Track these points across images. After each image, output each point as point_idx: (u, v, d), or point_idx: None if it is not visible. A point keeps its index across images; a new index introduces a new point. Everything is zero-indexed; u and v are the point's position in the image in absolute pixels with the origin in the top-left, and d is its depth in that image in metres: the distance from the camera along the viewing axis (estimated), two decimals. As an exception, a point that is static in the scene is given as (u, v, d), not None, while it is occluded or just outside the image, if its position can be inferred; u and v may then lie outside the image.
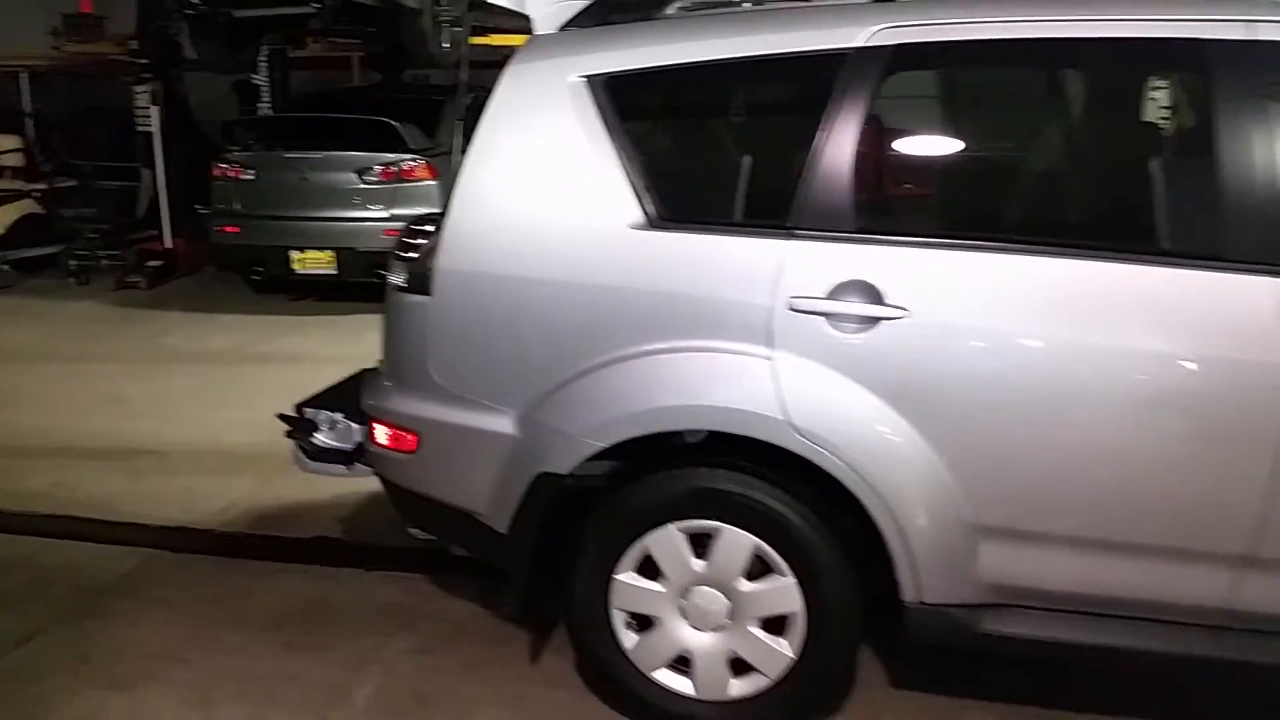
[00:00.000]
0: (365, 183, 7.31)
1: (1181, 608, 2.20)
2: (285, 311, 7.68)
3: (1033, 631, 2.27)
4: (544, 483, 2.40)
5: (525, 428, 2.42)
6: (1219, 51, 2.07)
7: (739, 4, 2.55)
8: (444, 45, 7.63)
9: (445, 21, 7.52)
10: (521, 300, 2.39)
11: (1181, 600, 2.19)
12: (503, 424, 2.44)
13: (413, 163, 7.31)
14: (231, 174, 7.67)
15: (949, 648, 2.35)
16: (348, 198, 7.36)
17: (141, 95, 8.74)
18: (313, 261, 7.43)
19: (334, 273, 7.45)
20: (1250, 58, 2.06)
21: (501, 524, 2.48)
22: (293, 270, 7.49)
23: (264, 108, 9.25)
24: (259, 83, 9.27)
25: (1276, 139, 2.03)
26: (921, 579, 2.26)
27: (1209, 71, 2.08)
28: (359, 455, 2.91)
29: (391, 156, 7.29)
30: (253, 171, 7.62)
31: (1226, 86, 2.06)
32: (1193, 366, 2.07)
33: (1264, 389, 2.02)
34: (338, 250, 7.35)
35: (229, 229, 7.70)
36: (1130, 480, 2.13)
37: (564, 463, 2.37)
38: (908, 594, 2.27)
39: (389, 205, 7.26)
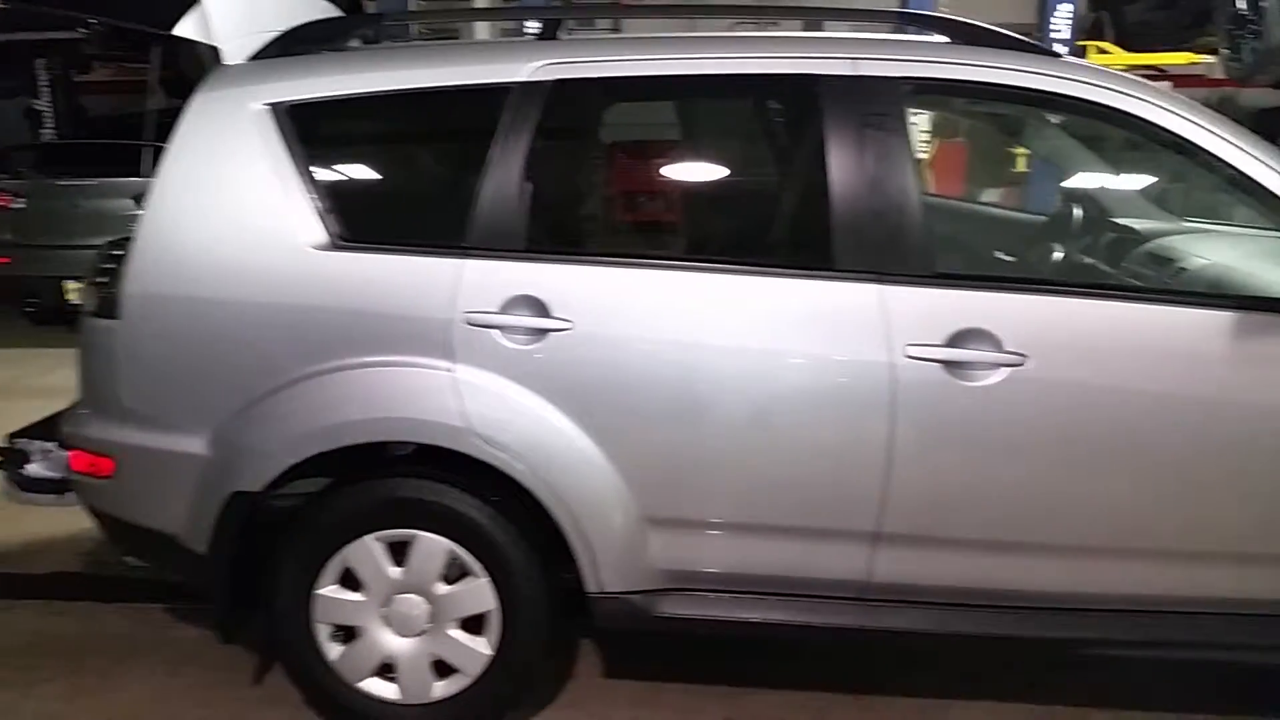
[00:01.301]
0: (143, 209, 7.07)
1: (828, 582, 2.44)
2: (64, 344, 7.32)
3: (702, 612, 2.46)
4: (237, 502, 2.44)
5: (217, 448, 2.47)
6: (829, 85, 2.34)
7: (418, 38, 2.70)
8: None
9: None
10: (209, 321, 2.44)
11: (827, 575, 2.43)
12: (195, 445, 2.48)
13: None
14: (1, 202, 7.33)
15: (639, 632, 2.53)
16: (124, 225, 7.10)
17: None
18: (88, 292, 7.14)
19: (112, 303, 7.18)
20: (854, 91, 2.33)
21: (200, 545, 2.51)
22: (67, 301, 7.18)
23: (48, 133, 8.87)
24: (40, 108, 8.90)
25: (876, 162, 2.30)
26: (601, 570, 2.42)
27: (821, 103, 2.35)
28: (69, 484, 2.87)
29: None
30: (24, 200, 7.30)
31: (835, 116, 2.33)
32: (815, 365, 2.31)
33: (871, 383, 2.27)
34: (115, 280, 7.09)
35: (0, 259, 7.35)
36: (769, 469, 2.35)
37: (256, 481, 2.43)
38: (590, 585, 2.44)
39: (170, 232, 7.06)
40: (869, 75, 2.34)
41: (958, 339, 2.25)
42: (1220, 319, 2.25)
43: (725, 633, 2.53)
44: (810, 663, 2.93)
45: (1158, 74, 9.77)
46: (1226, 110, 11.95)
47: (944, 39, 2.45)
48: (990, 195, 7.21)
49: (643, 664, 2.92)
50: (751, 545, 2.43)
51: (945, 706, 2.77)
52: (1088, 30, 8.96)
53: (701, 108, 2.87)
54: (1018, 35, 2.43)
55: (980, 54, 2.37)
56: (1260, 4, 6.22)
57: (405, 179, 2.52)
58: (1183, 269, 2.75)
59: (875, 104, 2.32)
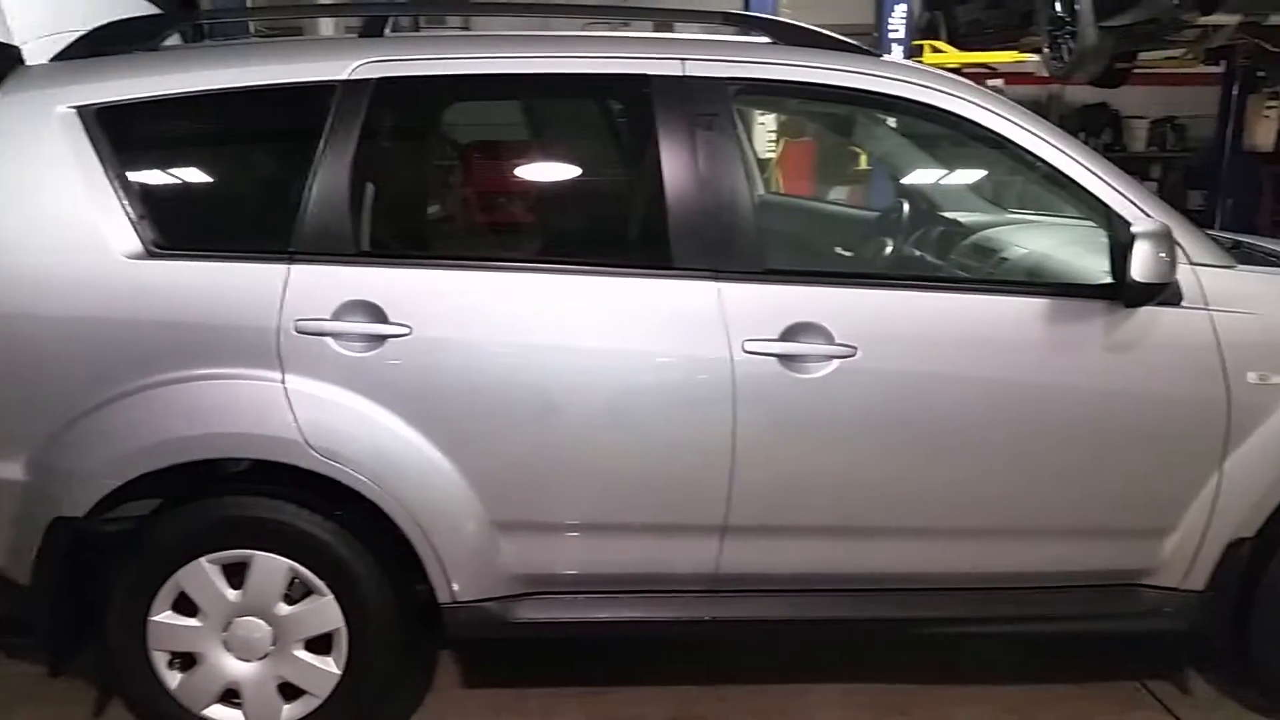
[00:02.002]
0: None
1: (679, 577, 2.46)
2: None
3: (558, 615, 2.45)
4: (59, 529, 2.30)
5: (35, 473, 2.31)
6: (659, 86, 2.36)
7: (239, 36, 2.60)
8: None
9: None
10: (19, 337, 2.28)
11: (678, 570, 2.45)
12: (11, 470, 2.32)
13: None
14: None
15: (497, 640, 2.50)
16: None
17: None
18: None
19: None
20: (683, 91, 2.36)
21: (22, 575, 2.35)
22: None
23: None
24: None
25: (708, 162, 2.33)
26: (453, 579, 2.38)
27: (652, 103, 2.36)
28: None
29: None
30: None
31: (666, 116, 2.35)
32: (658, 363, 2.32)
33: (713, 379, 2.30)
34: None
35: None
36: (619, 468, 2.36)
37: (78, 506, 2.29)
38: (442, 595, 2.39)
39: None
40: (696, 75, 2.37)
41: (791, 333, 2.30)
42: (1035, 305, 2.37)
43: (582, 634, 2.53)
44: (670, 657, 2.96)
45: (989, 72, 10.28)
46: (1053, 106, 12.69)
47: (768, 40, 2.51)
48: (837, 193, 7.44)
49: (503, 671, 2.89)
50: (604, 545, 2.44)
51: (802, 691, 2.84)
52: (923, 30, 9.32)
53: (540, 108, 2.86)
54: (838, 36, 2.51)
55: (803, 54, 2.44)
56: (1075, 6, 6.59)
57: (226, 183, 2.42)
58: (1004, 259, 2.89)
59: (704, 104, 2.35)
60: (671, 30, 3.56)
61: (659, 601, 2.48)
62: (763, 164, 8.36)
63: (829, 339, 2.31)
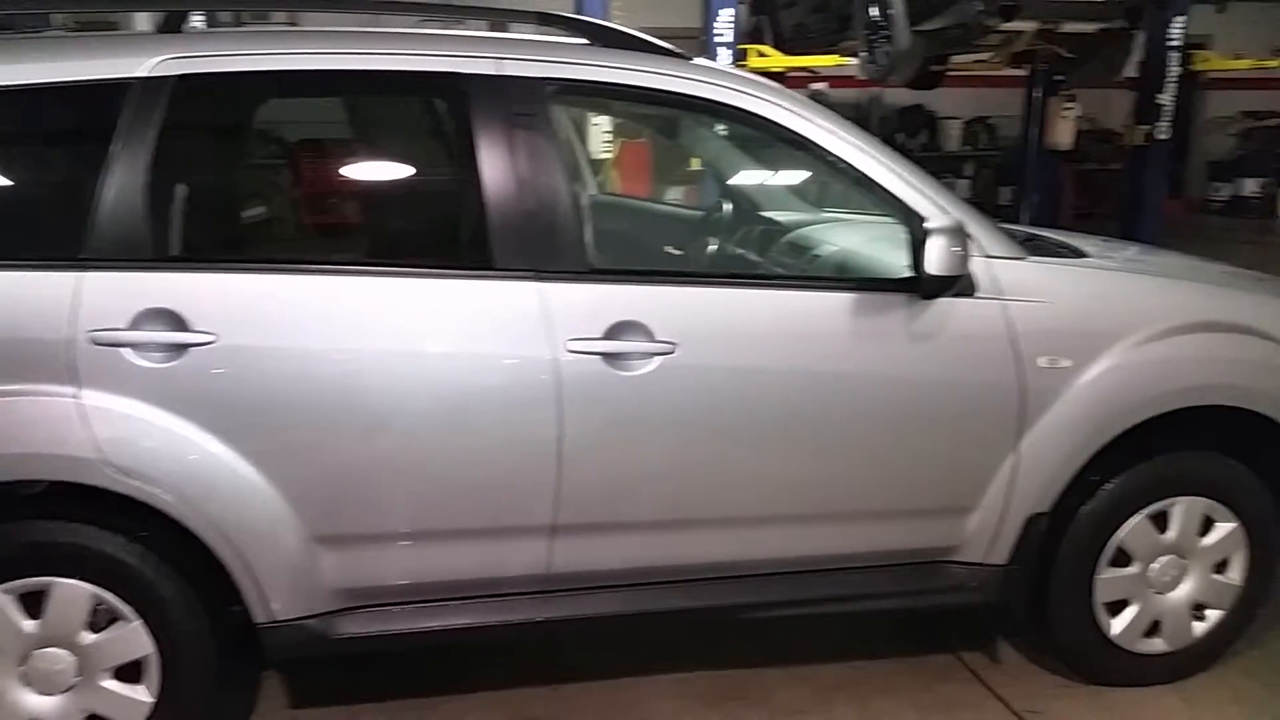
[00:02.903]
0: None
1: (510, 580, 2.45)
2: None
3: (384, 627, 2.40)
4: None
5: None
6: (475, 85, 2.34)
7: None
8: None
9: None
10: None
11: (509, 573, 2.44)
12: None
13: None
14: None
15: (322, 657, 2.42)
16: None
17: None
18: None
19: None
20: (500, 90, 2.34)
21: None
22: None
23: None
24: None
25: (527, 162, 2.33)
26: (269, 598, 2.29)
27: (469, 103, 2.34)
28: None
29: None
30: None
31: (483, 116, 2.33)
32: (482, 365, 2.30)
33: (538, 379, 2.29)
34: None
35: None
36: (445, 474, 2.33)
37: None
38: (259, 614, 2.30)
39: None
40: (513, 75, 2.36)
41: (614, 331, 2.32)
42: (842, 299, 2.47)
43: (411, 645, 2.48)
44: (505, 658, 2.94)
45: (812, 75, 10.65)
46: (874, 109, 13.25)
47: (585, 41, 2.52)
48: (675, 193, 7.55)
49: (334, 688, 2.80)
50: (431, 553, 2.40)
51: (638, 684, 2.87)
52: (750, 34, 9.57)
53: (357, 107, 2.78)
54: (651, 39, 2.54)
55: (616, 56, 2.46)
56: (889, 11, 6.91)
57: (13, 188, 2.25)
58: (817, 256, 3.00)
59: (521, 103, 2.34)
60: (507, 29, 3.53)
61: (490, 606, 2.46)
62: (598, 165, 8.45)
63: (650, 336, 2.34)
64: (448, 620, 2.42)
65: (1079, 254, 2.86)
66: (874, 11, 7.13)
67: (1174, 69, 9.12)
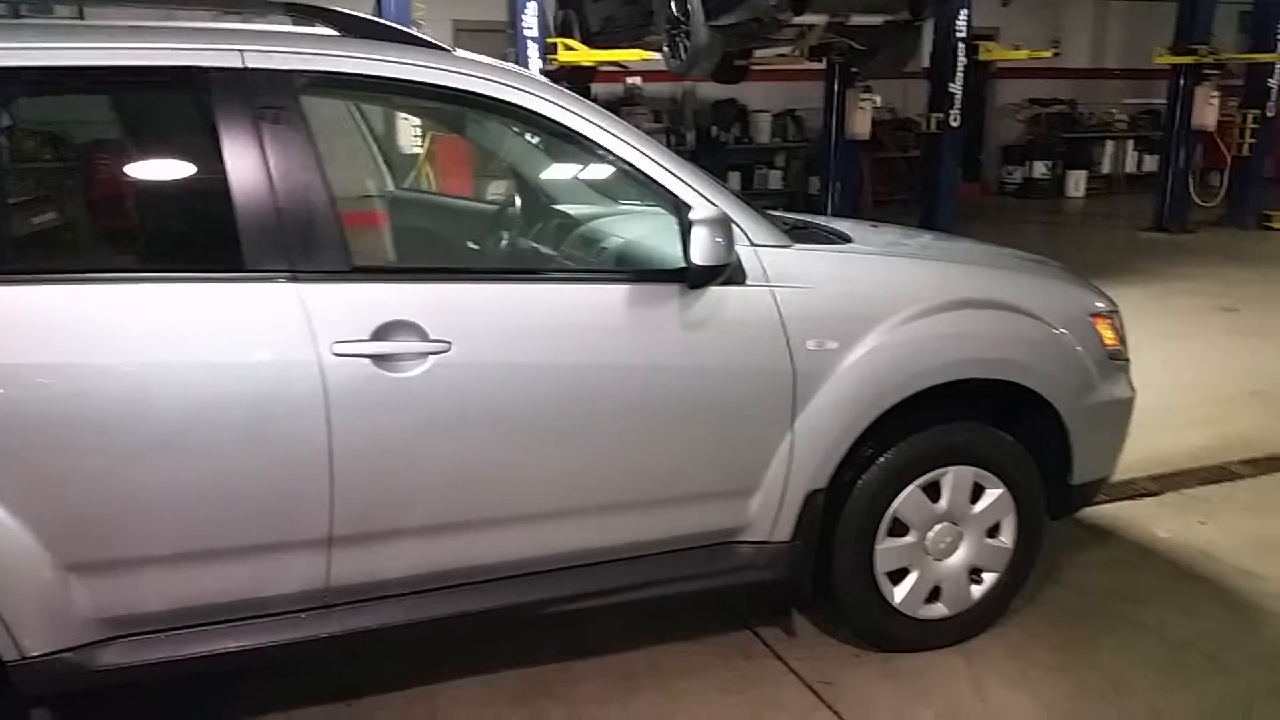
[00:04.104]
0: None
1: (287, 597, 2.35)
2: None
3: (150, 656, 2.25)
4: None
5: None
6: (219, 79, 2.22)
7: None
8: None
9: None
10: None
11: (285, 590, 2.34)
12: None
13: None
14: None
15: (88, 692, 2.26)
16: None
17: None
18: None
19: None
20: (245, 84, 2.23)
21: None
22: None
23: None
24: None
25: (278, 159, 2.22)
26: (19, 634, 2.12)
27: (213, 98, 2.22)
28: None
29: None
30: None
31: (228, 111, 2.21)
32: (242, 374, 2.19)
33: (303, 385, 2.20)
34: None
35: None
36: (207, 490, 2.20)
37: None
38: (8, 653, 2.13)
39: None
40: (258, 68, 2.25)
41: (383, 332, 2.25)
42: (617, 291, 2.48)
43: (182, 673, 2.34)
44: (296, 675, 2.82)
45: (624, 69, 10.75)
46: (687, 102, 13.50)
47: (335, 32, 2.43)
48: (496, 187, 7.45)
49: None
50: (197, 575, 2.27)
51: (445, 690, 2.82)
52: (559, 28, 9.57)
53: (93, 103, 2.59)
54: (407, 29, 2.48)
55: (370, 48, 2.38)
56: (688, 6, 7.03)
57: None
58: (603, 248, 3.01)
59: (268, 98, 2.24)
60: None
61: (266, 626, 2.34)
62: (410, 160, 8.26)
63: (423, 336, 2.28)
64: (218, 644, 2.30)
65: (845, 240, 2.97)
66: (674, 6, 7.23)
67: (961, 59, 9.70)
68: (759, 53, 9.64)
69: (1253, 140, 11.51)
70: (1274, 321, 7.27)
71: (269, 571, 2.32)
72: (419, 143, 8.08)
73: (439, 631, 2.66)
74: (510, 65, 2.57)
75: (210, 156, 2.21)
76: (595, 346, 2.44)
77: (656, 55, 8.07)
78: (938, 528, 2.90)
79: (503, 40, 8.95)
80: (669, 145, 13.59)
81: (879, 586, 2.88)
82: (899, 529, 2.86)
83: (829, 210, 10.38)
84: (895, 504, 2.82)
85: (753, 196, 14.42)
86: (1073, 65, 14.84)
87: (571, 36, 8.99)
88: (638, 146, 2.52)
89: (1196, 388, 5.69)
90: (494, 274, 2.53)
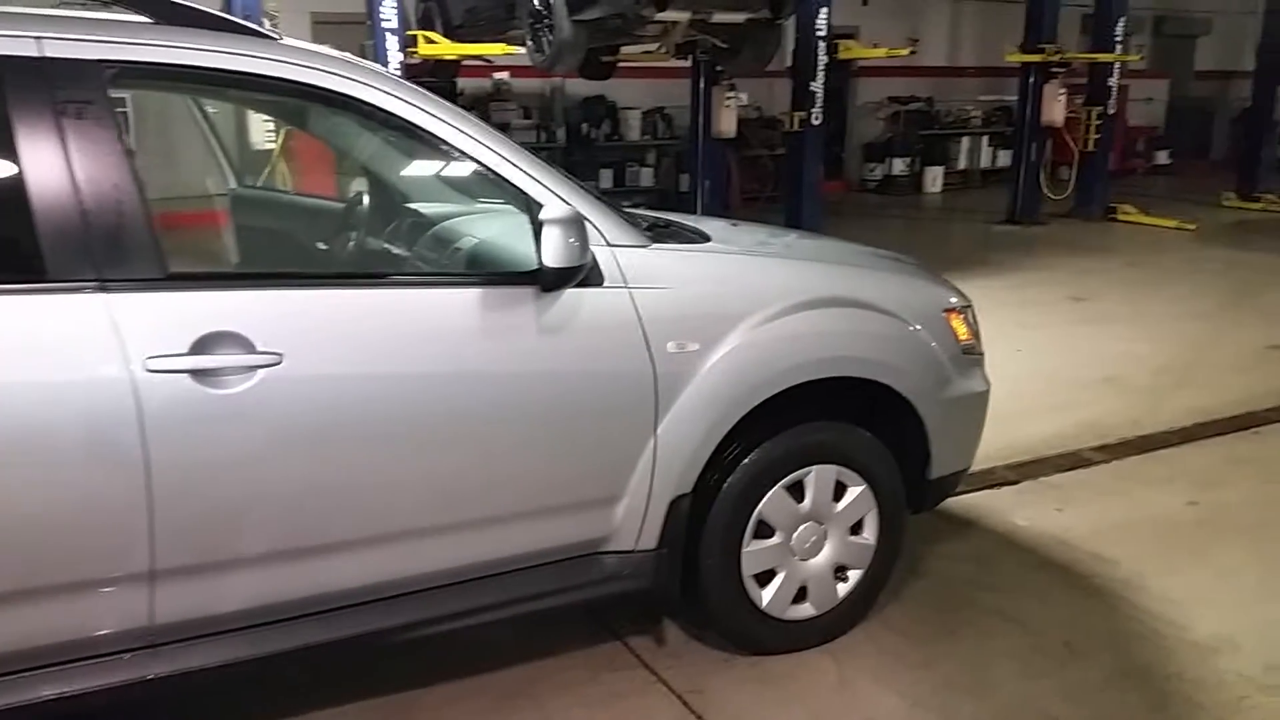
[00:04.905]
0: None
1: (106, 639, 2.14)
2: None
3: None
4: None
5: None
6: (11, 68, 2.00)
7: None
8: None
9: None
10: None
11: (104, 631, 2.13)
12: None
13: None
14: None
15: None
16: None
17: None
18: None
19: None
20: (43, 75, 2.01)
21: None
22: None
23: None
24: None
25: (82, 157, 2.01)
26: None
27: (4, 88, 1.99)
28: None
29: None
30: None
31: (23, 105, 1.99)
32: (42, 393, 1.97)
33: (112, 405, 2.00)
34: None
35: None
36: (5, 524, 1.98)
37: None
38: None
39: None
40: (59, 58, 2.03)
41: (204, 344, 2.07)
42: (469, 295, 2.35)
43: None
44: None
45: (488, 64, 10.55)
46: (557, 98, 13.38)
47: (148, 19, 2.22)
48: (353, 185, 7.17)
49: None
50: (4, 619, 2.04)
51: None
52: (420, 20, 9.31)
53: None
54: (230, 17, 2.29)
55: (187, 36, 2.18)
56: (550, 0, 6.91)
57: None
58: (457, 249, 2.86)
59: (71, 90, 2.02)
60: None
61: (83, 671, 2.12)
62: (262, 156, 7.90)
63: (249, 348, 2.11)
64: (26, 694, 2.07)
65: (705, 239, 2.91)
66: (536, 1, 7.10)
67: (823, 58, 9.85)
68: (626, 49, 9.60)
69: (1097, 136, 12.10)
70: (1121, 310, 7.63)
71: (84, 612, 2.10)
72: (272, 138, 7.73)
73: (284, 666, 2.48)
74: (345, 55, 2.40)
75: (3, 155, 1.98)
76: (444, 355, 2.31)
77: (521, 50, 7.92)
78: (803, 528, 2.87)
79: (361, 33, 8.66)
80: (539, 142, 13.51)
81: (747, 590, 2.83)
82: (765, 530, 2.82)
83: (698, 208, 10.41)
84: (760, 506, 2.78)
85: (624, 194, 14.48)
86: (930, 64, 15.32)
87: (433, 30, 8.75)
88: (484, 141, 2.39)
89: (1050, 376, 5.89)
90: (333, 279, 2.37)
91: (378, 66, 2.45)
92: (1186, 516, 3.96)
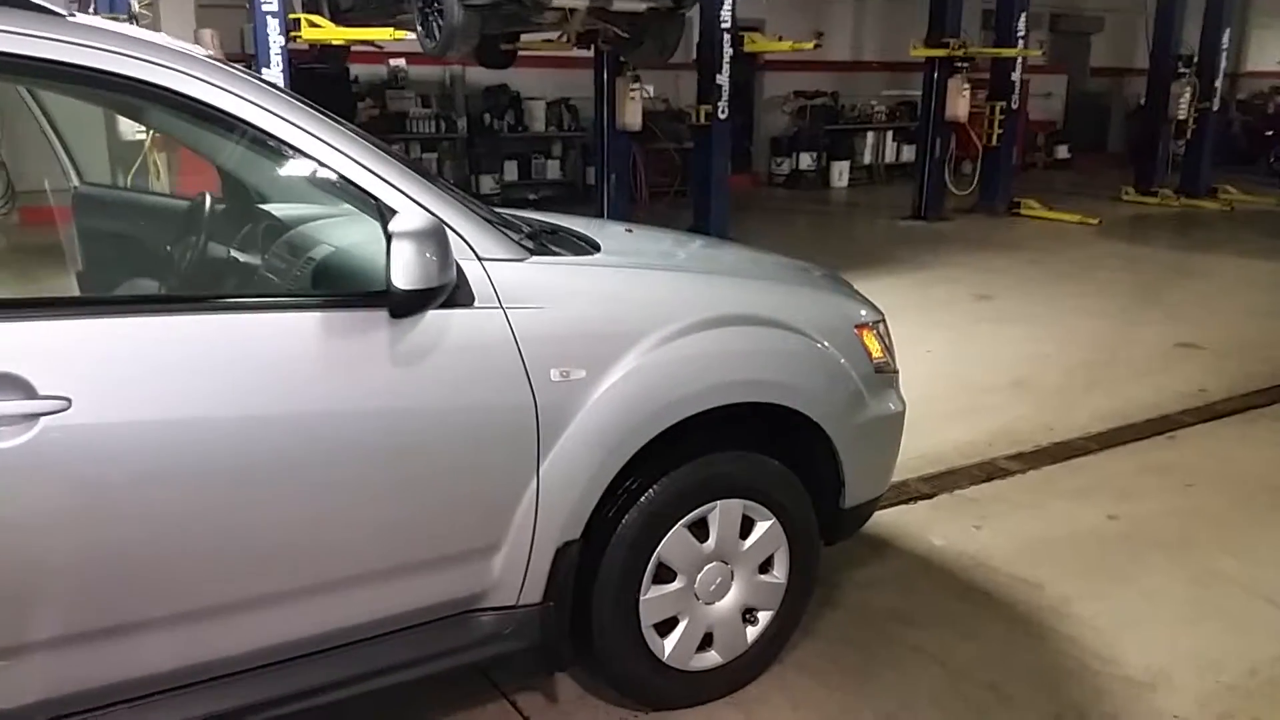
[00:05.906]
0: None
1: None
2: None
3: None
4: None
5: None
6: None
7: None
8: None
9: None
10: None
11: None
12: None
13: None
14: None
15: None
16: None
17: None
18: None
19: None
20: None
21: None
22: None
23: None
24: None
25: None
26: None
27: None
28: None
29: None
30: None
31: None
32: None
33: None
34: None
35: None
36: None
37: None
38: None
39: None
40: None
41: (-33, 389, 1.67)
42: (308, 321, 1.99)
43: None
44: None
45: (379, 49, 10.05)
46: (458, 87, 12.94)
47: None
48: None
49: None
50: None
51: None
52: (306, 3, 8.77)
53: None
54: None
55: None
56: (440, -17, 6.49)
57: None
58: (310, 259, 2.49)
59: None
60: None
61: None
62: (132, 148, 7.31)
63: (28, 392, 1.71)
64: None
65: (594, 248, 2.59)
66: (426, -16, 6.69)
67: (728, 50, 9.61)
68: (526, 37, 9.22)
69: (1001, 131, 12.15)
70: (1027, 309, 7.55)
71: None
72: (143, 129, 7.14)
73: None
74: (151, 34, 2.01)
75: None
76: (275, 393, 1.93)
77: (411, 35, 7.47)
78: (707, 569, 2.57)
79: (242, 16, 8.09)
80: (439, 132, 13.05)
81: (646, 641, 2.53)
82: (665, 575, 2.51)
83: (604, 201, 10.07)
84: (660, 548, 2.47)
85: (530, 187, 14.10)
86: (836, 58, 15.26)
87: (319, 13, 8.23)
88: (321, 136, 2.01)
89: (958, 378, 5.74)
90: (138, 305, 1.96)
91: (190, 47, 2.06)
92: (1108, 531, 3.79)
